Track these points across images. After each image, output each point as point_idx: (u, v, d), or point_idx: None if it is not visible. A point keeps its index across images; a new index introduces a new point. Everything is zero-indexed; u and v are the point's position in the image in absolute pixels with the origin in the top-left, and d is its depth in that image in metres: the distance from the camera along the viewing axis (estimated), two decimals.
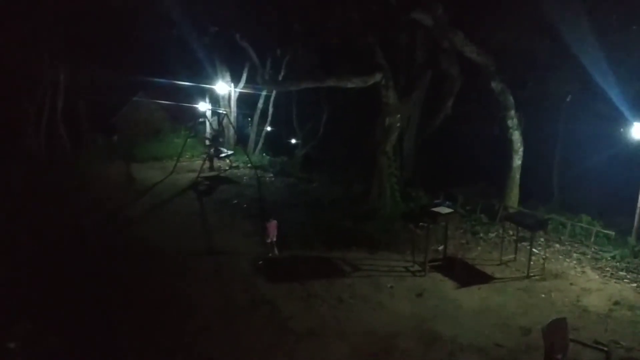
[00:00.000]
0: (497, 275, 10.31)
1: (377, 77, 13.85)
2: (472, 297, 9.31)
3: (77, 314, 8.37)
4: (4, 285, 9.05)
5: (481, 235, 12.63)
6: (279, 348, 7.57)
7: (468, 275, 10.24)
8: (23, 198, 15.17)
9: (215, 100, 25.14)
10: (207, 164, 20.30)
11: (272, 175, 20.08)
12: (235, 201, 15.87)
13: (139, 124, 29.97)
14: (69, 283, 9.51)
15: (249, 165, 20.81)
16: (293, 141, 27.90)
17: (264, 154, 24.67)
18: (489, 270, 10.52)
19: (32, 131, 22.28)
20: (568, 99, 15.23)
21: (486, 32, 13.16)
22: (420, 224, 11.54)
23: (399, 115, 14.52)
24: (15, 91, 21.11)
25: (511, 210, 13.10)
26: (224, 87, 23.90)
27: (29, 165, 19.75)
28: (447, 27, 12.69)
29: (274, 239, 11.11)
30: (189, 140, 23.02)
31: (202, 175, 18.72)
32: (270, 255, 11.11)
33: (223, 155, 20.73)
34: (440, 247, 11.23)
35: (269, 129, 25.90)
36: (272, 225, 11.17)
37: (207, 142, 22.36)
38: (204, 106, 25.14)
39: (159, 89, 29.38)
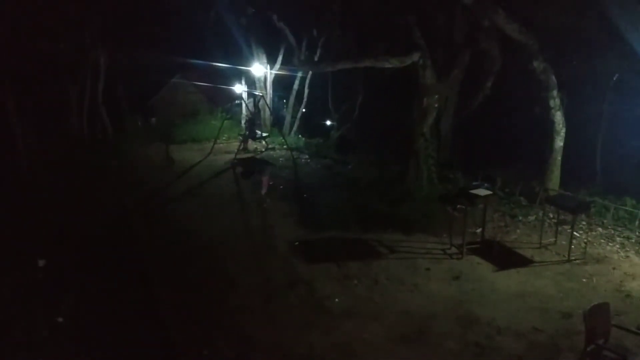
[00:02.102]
0: (537, 258, 10.13)
1: (415, 57, 13.64)
2: (510, 280, 9.19)
3: (120, 290, 8.62)
4: (51, 262, 9.39)
5: (520, 218, 12.41)
6: (315, 327, 7.65)
7: (506, 258, 10.10)
8: (67, 177, 15.69)
9: (251, 82, 25.24)
10: (241, 145, 20.50)
11: (307, 157, 20.14)
12: (271, 182, 15.99)
13: (177, 105, 30.40)
14: (112, 259, 9.81)
15: (284, 147, 20.91)
16: (328, 123, 27.84)
17: (300, 136, 24.72)
18: (528, 253, 10.34)
19: (74, 113, 22.88)
20: (615, 79, 14.70)
21: (528, 8, 12.73)
22: (458, 206, 11.39)
23: (436, 96, 14.29)
24: (58, 74, 21.68)
25: (552, 193, 12.79)
26: (260, 68, 23.97)
27: (72, 145, 20.37)
28: (487, 4, 12.34)
29: (264, 191, 13.63)
30: (225, 122, 23.24)
31: (238, 156, 18.90)
32: (264, 205, 13.21)
33: (258, 137, 20.89)
34: (478, 230, 11.08)
35: (304, 110, 25.88)
36: (266, 180, 13.69)
37: (244, 124, 22.57)
38: (240, 88, 25.29)
39: (196, 71, 29.73)
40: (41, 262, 9.18)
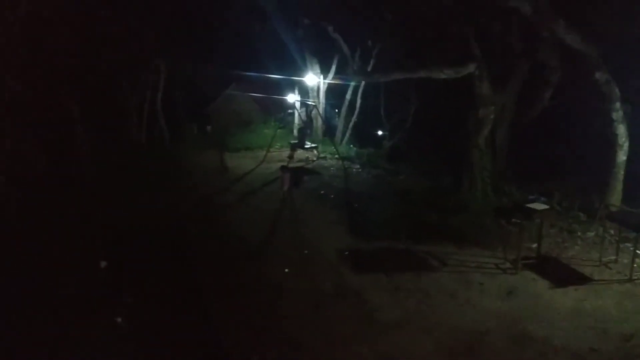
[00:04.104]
0: (596, 276, 9.72)
1: (471, 67, 13.46)
2: (567, 298, 8.85)
3: (174, 292, 8.89)
4: (111, 263, 9.76)
5: (579, 234, 11.94)
6: (364, 338, 7.60)
7: (563, 275, 9.75)
8: (127, 181, 16.32)
9: (304, 91, 25.53)
10: (294, 154, 20.72)
11: (358, 166, 20.14)
12: (322, 192, 16.09)
13: (231, 114, 31.12)
14: (167, 263, 10.12)
15: (336, 156, 21.00)
16: (380, 132, 27.78)
17: (351, 145, 24.76)
18: (586, 271, 9.94)
19: (134, 120, 23.81)
20: None
21: (591, 18, 12.32)
22: (513, 220, 11.11)
23: (493, 107, 14.02)
24: (120, 82, 22.65)
25: (613, 209, 12.25)
26: (313, 78, 24.22)
27: (131, 150, 21.19)
28: (547, 14, 12.03)
29: (286, 188, 13.60)
30: (278, 131, 23.59)
31: (290, 165, 19.12)
32: (286, 199, 13.71)
33: (307, 146, 21.07)
34: (534, 245, 10.75)
35: (356, 120, 25.92)
36: (287, 177, 13.63)
37: (296, 133, 22.82)
38: (293, 98, 25.62)
39: (250, 82, 30.37)
40: (103, 264, 9.55)
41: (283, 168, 14.88)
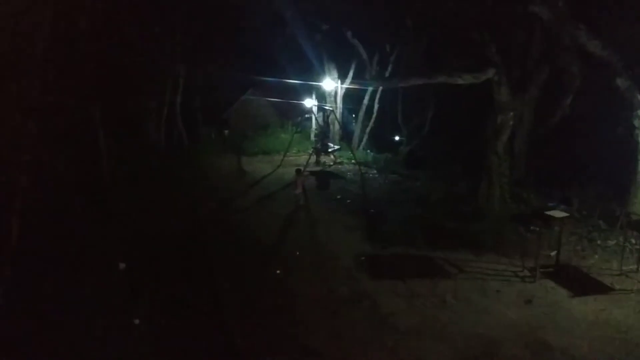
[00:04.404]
0: (617, 286, 9.56)
1: (490, 73, 13.37)
2: (586, 307, 8.72)
3: (191, 295, 8.98)
4: (130, 266, 9.88)
5: (599, 242, 11.76)
6: (380, 344, 7.59)
7: (583, 284, 9.61)
8: (145, 184, 16.50)
9: (321, 96, 25.59)
10: (314, 158, 20.77)
11: (375, 171, 20.12)
12: (339, 196, 16.10)
13: (249, 119, 31.26)
14: (185, 265, 10.22)
15: (352, 161, 20.99)
16: (397, 138, 27.71)
17: (368, 151, 24.75)
18: (607, 280, 9.79)
19: (153, 125, 24.08)
20: None
21: (612, 24, 12.18)
22: (532, 227, 11.00)
23: (512, 113, 13.90)
24: (139, 89, 22.93)
25: (634, 217, 12.07)
26: (330, 83, 24.25)
27: (150, 154, 21.41)
28: (568, 20, 11.92)
29: (301, 191, 14.48)
30: (295, 135, 23.66)
31: (308, 169, 19.17)
32: (299, 202, 14.40)
33: (330, 150, 21.14)
34: (553, 253, 10.62)
35: (373, 125, 25.90)
36: (300, 181, 14.48)
37: (314, 138, 22.85)
38: (310, 102, 25.69)
39: (268, 86, 30.47)
40: (122, 266, 9.67)
41: (298, 172, 14.98)
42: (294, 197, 14.57)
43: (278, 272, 10.09)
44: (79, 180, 13.47)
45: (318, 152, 21.37)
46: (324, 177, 18.40)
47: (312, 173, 18.81)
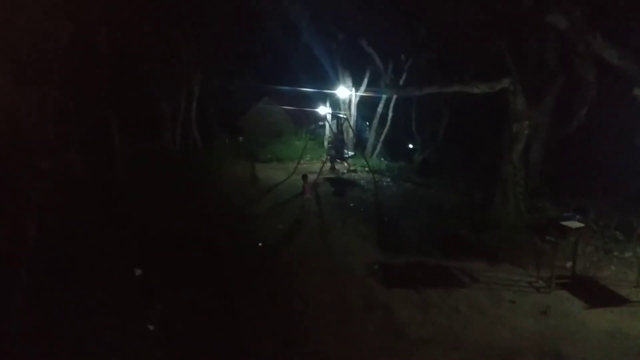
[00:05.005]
0: (633, 298, 9.44)
1: (505, 82, 13.33)
2: (602, 319, 8.61)
3: (204, 300, 9.03)
4: (144, 271, 9.96)
5: (615, 253, 11.61)
6: (391, 352, 7.56)
7: (599, 295, 9.51)
8: (160, 190, 16.64)
9: (335, 104, 25.65)
10: (328, 165, 20.81)
11: (389, 179, 20.10)
12: (352, 204, 16.09)
13: (263, 126, 31.42)
14: (198, 271, 10.29)
15: (366, 169, 20.99)
16: (411, 146, 27.65)
17: (382, 159, 24.72)
18: (623, 292, 9.66)
19: (168, 131, 24.31)
20: None
21: (629, 32, 12.07)
22: (547, 237, 10.89)
23: (527, 122, 13.82)
24: (155, 95, 23.19)
25: None
26: (345, 91, 24.31)
27: (165, 159, 21.61)
28: (583, 28, 11.84)
29: (309, 196, 14.60)
30: (309, 142, 23.70)
31: (322, 176, 19.19)
32: (306, 208, 14.40)
33: (346, 156, 21.17)
34: (568, 264, 10.52)
35: (387, 133, 25.88)
36: (308, 185, 14.53)
37: (328, 145, 22.89)
38: (324, 110, 25.76)
39: (283, 94, 30.64)
40: (137, 272, 9.75)
41: (304, 177, 14.97)
42: (304, 202, 14.66)
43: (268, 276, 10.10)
44: (95, 185, 13.63)
45: (333, 159, 21.39)
46: (341, 184, 18.44)
47: (327, 180, 18.81)
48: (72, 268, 9.67)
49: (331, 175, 20.26)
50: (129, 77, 18.00)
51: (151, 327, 7.84)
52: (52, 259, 9.50)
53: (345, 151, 21.98)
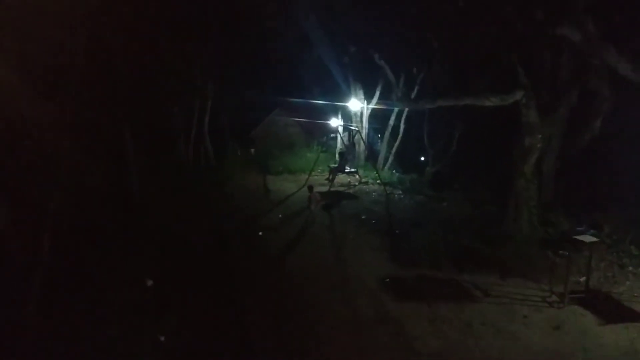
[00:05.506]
0: None
1: (518, 95, 13.28)
2: (617, 335, 8.49)
3: (216, 311, 9.05)
4: (156, 282, 10.00)
5: (630, 269, 11.47)
6: None
7: (613, 311, 9.37)
8: (173, 201, 16.76)
9: (347, 116, 25.75)
10: (330, 176, 20.85)
11: (400, 192, 20.04)
12: (364, 216, 16.07)
13: (275, 138, 31.60)
14: (210, 282, 10.32)
15: (378, 181, 20.96)
16: (422, 158, 27.62)
17: (393, 171, 24.70)
18: (638, 307, 9.52)
19: (182, 143, 24.52)
20: None
21: None
22: (560, 252, 10.80)
23: (540, 136, 13.74)
24: (170, 107, 23.43)
25: None
26: (357, 104, 24.40)
27: (178, 170, 21.77)
28: (597, 42, 11.79)
29: (315, 207, 14.95)
30: (321, 154, 23.76)
31: (316, 190, 19.07)
32: (311, 219, 14.76)
33: (347, 171, 21.14)
34: (582, 279, 10.40)
35: (399, 145, 25.88)
36: (314, 196, 14.91)
37: (337, 157, 22.95)
38: (336, 122, 25.85)
39: (294, 106, 30.83)
40: (149, 282, 9.80)
41: (310, 188, 15.12)
42: (310, 212, 14.91)
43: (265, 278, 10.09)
44: (110, 196, 13.77)
45: (334, 171, 21.39)
46: (335, 197, 18.40)
47: (324, 194, 18.69)
48: (85, 278, 9.75)
49: (338, 188, 20.21)
50: (143, 89, 18.21)
51: (162, 338, 7.86)
52: (66, 268, 9.59)
53: (347, 167, 21.88)
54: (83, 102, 10.08)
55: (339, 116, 26.53)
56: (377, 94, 24.80)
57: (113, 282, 9.91)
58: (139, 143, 18.96)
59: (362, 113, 24.83)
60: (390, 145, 25.84)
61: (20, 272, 8.31)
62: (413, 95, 23.42)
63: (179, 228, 13.95)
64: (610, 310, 9.40)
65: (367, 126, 25.17)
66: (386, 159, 25.80)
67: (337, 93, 25.95)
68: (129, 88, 15.50)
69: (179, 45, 19.74)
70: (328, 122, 27.38)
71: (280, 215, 13.59)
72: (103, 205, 12.81)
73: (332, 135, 27.93)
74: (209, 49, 22.23)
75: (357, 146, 25.03)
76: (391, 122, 25.38)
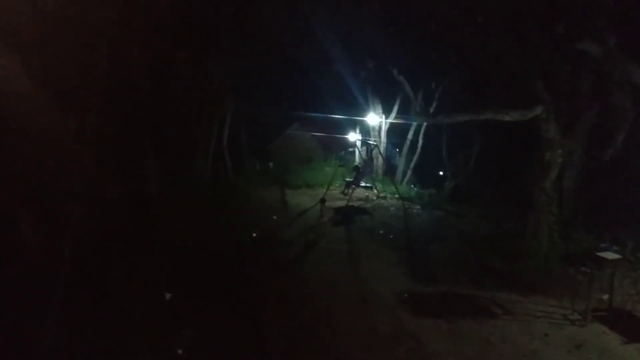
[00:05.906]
0: None
1: (538, 110, 13.17)
2: None
3: (233, 326, 9.03)
4: (175, 295, 10.04)
5: None
6: None
7: (637, 330, 9.15)
8: (191, 214, 16.88)
9: (365, 130, 25.79)
10: (345, 190, 20.88)
11: (419, 207, 19.93)
12: (382, 231, 15.99)
13: (293, 152, 31.76)
14: (228, 296, 10.31)
15: (396, 196, 20.87)
16: (441, 173, 27.48)
17: (412, 185, 24.60)
18: None
19: (201, 157, 24.76)
20: None
21: None
22: (582, 268, 10.59)
23: (560, 151, 13.59)
24: (189, 121, 23.71)
25: None
26: (375, 118, 24.44)
27: (197, 184, 21.95)
28: (617, 56, 11.67)
29: (326, 220, 15.28)
30: (339, 169, 23.78)
31: (327, 204, 19.04)
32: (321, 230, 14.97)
33: (362, 185, 21.14)
34: (605, 297, 10.18)
35: (417, 159, 25.79)
36: (325, 209, 15.46)
37: (353, 172, 22.99)
38: (354, 136, 25.91)
39: (313, 120, 31.03)
40: (168, 296, 9.84)
41: (322, 201, 15.16)
42: (321, 224, 15.10)
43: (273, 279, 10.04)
44: (129, 209, 13.92)
45: (350, 185, 21.41)
46: (349, 213, 18.33)
47: (336, 209, 18.61)
48: (104, 289, 9.82)
49: (356, 203, 20.16)
50: (163, 103, 18.48)
51: (180, 352, 7.86)
52: (85, 280, 9.68)
53: (362, 182, 21.89)
54: (105, 115, 10.27)
55: (357, 130, 26.57)
56: (396, 108, 24.80)
57: (132, 294, 9.97)
58: (159, 156, 19.21)
59: (380, 127, 24.83)
60: (408, 160, 25.76)
61: (40, 283, 8.41)
62: (432, 110, 23.36)
63: (197, 241, 14.01)
64: (635, 328, 9.18)
65: (385, 140, 25.15)
66: (404, 174, 25.71)
67: (356, 107, 26.04)
68: (150, 102, 15.74)
69: (199, 59, 20.04)
70: (346, 136, 27.42)
71: (310, 252, 13.55)
72: (123, 217, 12.94)
73: (350, 149, 27.95)
74: (228, 63, 22.50)
75: (375, 160, 25.01)
76: (409, 136, 25.33)
